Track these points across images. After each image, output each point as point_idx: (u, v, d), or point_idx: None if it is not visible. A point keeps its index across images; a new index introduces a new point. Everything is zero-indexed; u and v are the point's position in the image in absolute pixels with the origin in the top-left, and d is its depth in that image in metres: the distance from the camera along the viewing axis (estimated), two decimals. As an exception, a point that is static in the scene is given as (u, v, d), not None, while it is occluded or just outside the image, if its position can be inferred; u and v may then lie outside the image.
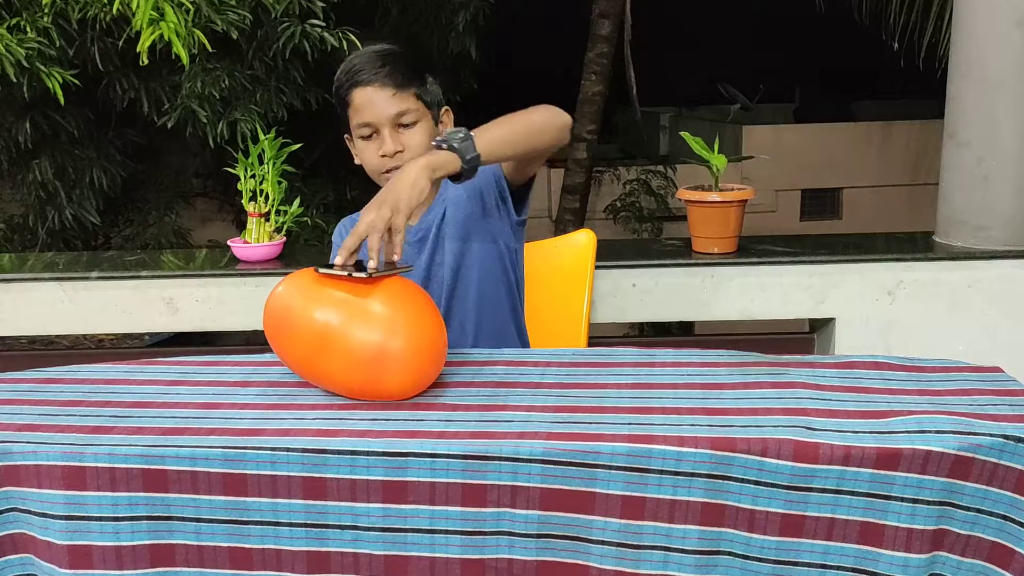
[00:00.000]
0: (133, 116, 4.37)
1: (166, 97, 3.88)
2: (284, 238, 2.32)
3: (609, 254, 2.17)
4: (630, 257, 2.20)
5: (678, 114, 9.92)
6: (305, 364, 1.26)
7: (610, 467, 1.08)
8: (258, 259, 2.26)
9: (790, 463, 1.06)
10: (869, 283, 2.16)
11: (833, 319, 2.17)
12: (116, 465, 1.11)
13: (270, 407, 1.24)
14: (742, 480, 1.07)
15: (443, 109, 1.65)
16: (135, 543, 1.12)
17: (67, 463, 1.11)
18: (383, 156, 1.57)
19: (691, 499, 1.08)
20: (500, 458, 1.08)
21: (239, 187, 2.26)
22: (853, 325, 2.17)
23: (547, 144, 1.50)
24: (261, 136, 2.26)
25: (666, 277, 2.16)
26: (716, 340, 2.53)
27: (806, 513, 1.07)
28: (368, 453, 1.09)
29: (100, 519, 1.12)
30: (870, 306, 2.16)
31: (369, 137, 1.58)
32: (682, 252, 2.21)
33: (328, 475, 1.10)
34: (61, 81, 3.06)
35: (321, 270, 1.25)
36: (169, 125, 3.72)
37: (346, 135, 1.65)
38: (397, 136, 1.56)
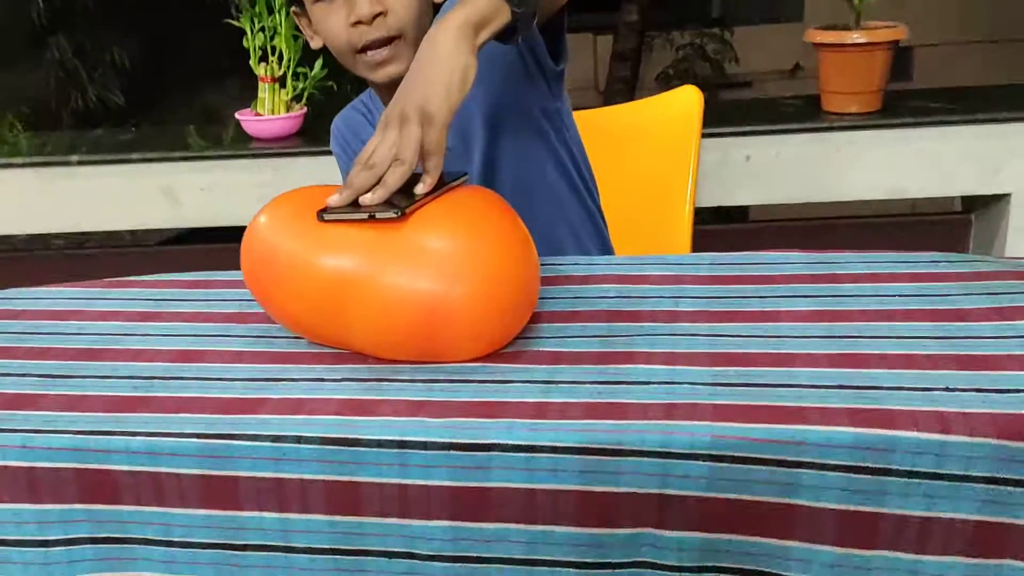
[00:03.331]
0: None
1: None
2: (305, 108, 1.87)
3: (714, 118, 1.70)
4: (741, 121, 1.72)
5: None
6: (312, 329, 0.84)
7: (821, 466, 0.66)
8: (273, 136, 1.83)
9: None
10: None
11: (1008, 195, 1.69)
12: (37, 464, 0.72)
13: (273, 358, 0.83)
14: (1048, 487, 0.64)
15: None
16: None
17: (-37, 461, 0.72)
18: (356, 24, 1.08)
19: (957, 516, 0.66)
20: (638, 452, 0.67)
21: (244, 44, 1.80)
22: (1033, 202, 1.69)
23: None
24: (270, -22, 1.79)
25: (789, 146, 1.69)
26: (825, 225, 2.04)
27: None
28: (426, 445, 0.68)
29: (20, 544, 0.73)
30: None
31: None
32: (809, 113, 1.72)
33: (363, 478, 0.69)
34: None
35: (328, 216, 0.80)
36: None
37: (294, 9, 1.16)
38: None
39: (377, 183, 0.80)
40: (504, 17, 0.88)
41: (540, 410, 0.70)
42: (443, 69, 0.84)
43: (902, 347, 0.77)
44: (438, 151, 0.82)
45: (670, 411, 0.69)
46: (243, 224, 1.85)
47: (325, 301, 0.79)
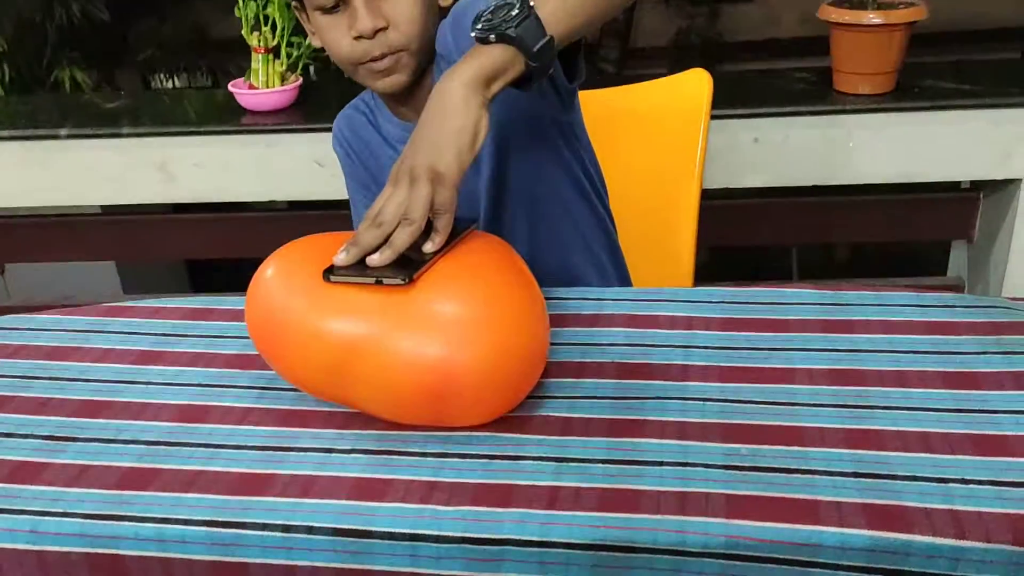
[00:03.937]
0: None
1: None
2: (299, 80, 1.82)
3: (722, 98, 1.65)
4: (751, 101, 1.68)
5: None
6: (318, 389, 0.82)
7: (835, 566, 0.66)
8: (268, 108, 1.78)
9: None
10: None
11: (1019, 180, 1.66)
12: (46, 547, 0.71)
13: (279, 419, 0.82)
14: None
15: None
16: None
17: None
18: (357, 38, 1.02)
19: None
20: (650, 550, 0.66)
21: (236, 13, 1.74)
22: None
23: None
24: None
25: (799, 129, 1.65)
26: (833, 203, 1.96)
27: None
28: (438, 539, 0.68)
29: (31, 624, 0.73)
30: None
31: (333, 9, 1.03)
32: (820, 93, 1.68)
33: (377, 567, 0.69)
34: None
35: (335, 278, 0.78)
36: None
37: (295, 3, 1.11)
38: (376, 5, 1.02)
39: (385, 241, 0.78)
40: (518, 69, 0.84)
41: (552, 497, 0.70)
42: (453, 127, 0.81)
43: (917, 422, 0.76)
44: (448, 210, 0.79)
45: (683, 502, 0.68)
46: (239, 200, 1.83)
47: (332, 365, 0.78)
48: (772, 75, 1.78)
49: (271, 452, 0.77)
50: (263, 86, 1.76)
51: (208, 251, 2.04)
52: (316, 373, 0.79)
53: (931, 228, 1.87)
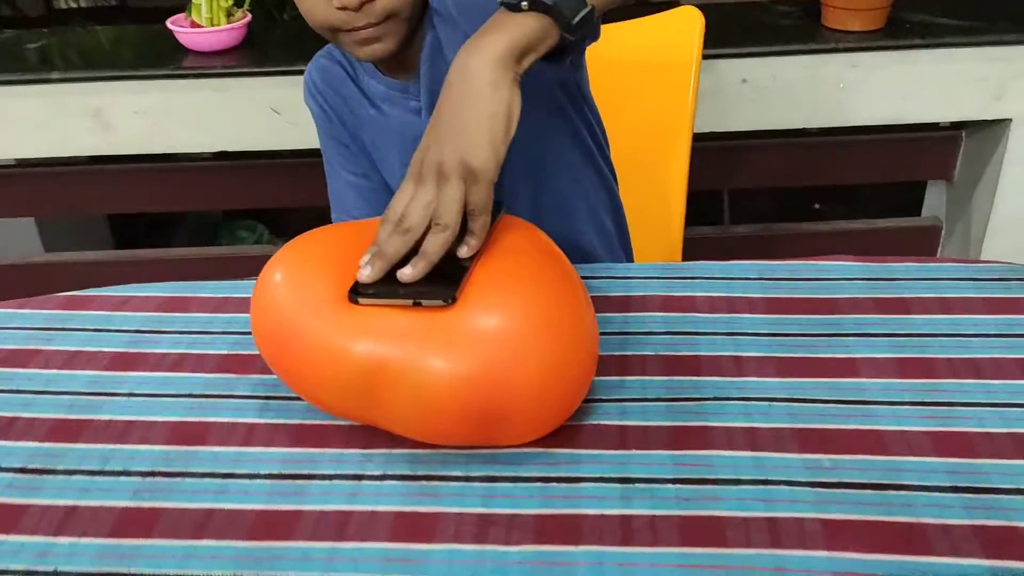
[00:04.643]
0: None
1: None
2: (248, 16, 1.65)
3: (709, 39, 1.55)
4: (738, 41, 1.58)
5: None
6: (340, 410, 0.71)
7: (946, 597, 0.59)
8: (214, 49, 1.61)
9: None
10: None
11: (1008, 120, 1.61)
12: (34, 612, 0.61)
13: (293, 438, 0.72)
14: None
15: None
16: None
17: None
18: (341, 8, 0.86)
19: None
20: (746, 587, 0.59)
21: (174, -57, 1.55)
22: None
23: None
24: None
25: (788, 69, 1.56)
26: (816, 143, 1.89)
27: None
28: (504, 587, 0.59)
29: None
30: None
31: None
32: (809, 30, 1.59)
33: (429, 618, 0.61)
34: None
35: (363, 301, 0.66)
36: None
37: None
38: None
39: (413, 250, 0.67)
40: (551, 42, 0.73)
41: (625, 529, 0.62)
42: (484, 112, 0.69)
43: (1005, 421, 0.70)
44: (485, 211, 0.69)
45: (774, 531, 0.61)
46: (182, 151, 1.67)
47: (360, 388, 0.67)
48: (758, 8, 1.68)
49: (289, 482, 0.67)
50: (207, 24, 1.59)
51: (141, 205, 1.87)
52: (340, 395, 0.69)
53: (911, 168, 1.82)
